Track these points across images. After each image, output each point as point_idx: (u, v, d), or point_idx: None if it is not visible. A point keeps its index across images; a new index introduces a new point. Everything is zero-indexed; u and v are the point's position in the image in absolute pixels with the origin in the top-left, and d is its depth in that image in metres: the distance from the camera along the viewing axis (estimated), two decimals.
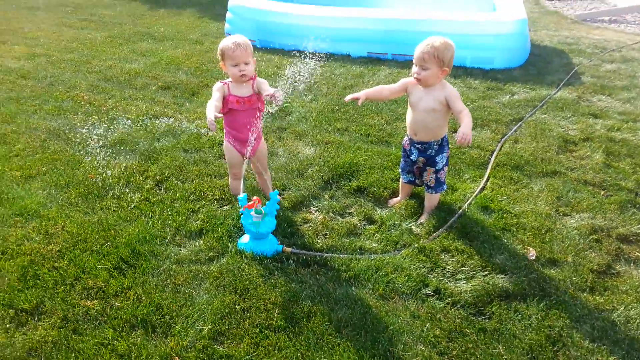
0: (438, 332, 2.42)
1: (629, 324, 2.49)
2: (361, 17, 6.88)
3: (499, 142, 4.38)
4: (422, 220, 3.29)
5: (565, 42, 7.86)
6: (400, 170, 3.44)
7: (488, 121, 4.81)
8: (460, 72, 6.21)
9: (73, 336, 2.36)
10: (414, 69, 3.01)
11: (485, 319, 2.52)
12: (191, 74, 6.05)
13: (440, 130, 3.15)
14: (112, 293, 2.60)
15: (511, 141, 4.41)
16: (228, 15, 7.69)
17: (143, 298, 2.56)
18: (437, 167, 3.22)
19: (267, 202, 2.92)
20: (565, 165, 4.02)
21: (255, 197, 2.90)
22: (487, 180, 3.76)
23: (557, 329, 2.44)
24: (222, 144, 4.17)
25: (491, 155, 4.13)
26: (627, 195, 3.59)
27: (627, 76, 6.24)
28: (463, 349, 2.33)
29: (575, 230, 3.20)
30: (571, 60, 6.91)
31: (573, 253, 2.99)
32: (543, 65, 6.64)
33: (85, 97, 5.22)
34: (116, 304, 2.53)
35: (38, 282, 2.66)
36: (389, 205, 3.47)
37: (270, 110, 4.67)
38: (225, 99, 3.13)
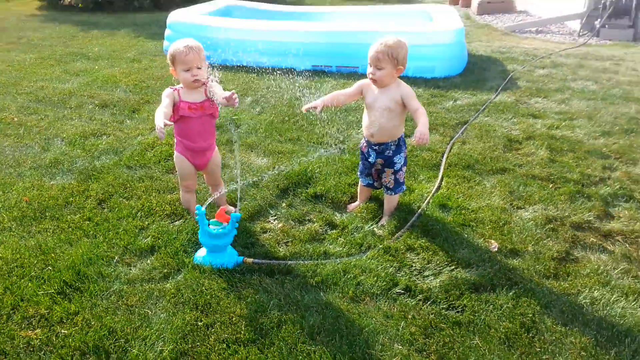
0: (414, 329, 2.34)
1: (595, 305, 2.52)
2: (304, 30, 6.89)
3: (447, 144, 4.44)
4: (382, 222, 3.23)
5: (499, 51, 8.20)
6: (359, 173, 3.39)
7: (435, 125, 4.87)
8: (404, 81, 6.29)
9: None
10: (369, 69, 2.99)
11: (458, 312, 2.47)
12: (130, 92, 5.80)
13: (397, 130, 3.13)
14: (57, 320, 2.35)
15: (459, 143, 4.47)
16: (167, 32, 7.50)
17: (92, 323, 2.33)
18: (395, 168, 3.18)
19: (227, 224, 2.74)
20: (513, 162, 4.11)
21: (222, 207, 2.75)
22: (442, 180, 3.77)
23: (529, 315, 2.43)
24: (169, 159, 3.99)
25: (442, 156, 4.17)
26: (574, 186, 3.70)
27: (558, 80, 6.56)
28: (441, 343, 2.26)
29: (531, 222, 3.24)
30: (506, 67, 7.20)
31: (532, 243, 3.03)
32: (480, 72, 6.87)
33: (16, 118, 4.86)
34: (62, 331, 2.28)
35: None
36: (348, 210, 3.40)
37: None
38: (175, 106, 2.96)
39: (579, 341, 2.29)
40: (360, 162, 3.34)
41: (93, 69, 6.78)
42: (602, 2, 9.76)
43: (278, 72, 6.49)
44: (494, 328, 2.35)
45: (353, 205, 3.44)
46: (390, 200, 3.30)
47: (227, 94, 2.84)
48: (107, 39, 8.88)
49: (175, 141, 3.13)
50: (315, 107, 3.04)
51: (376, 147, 3.16)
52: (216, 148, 3.24)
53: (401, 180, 3.25)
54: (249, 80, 6.27)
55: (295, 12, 8.90)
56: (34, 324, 2.33)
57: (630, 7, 9.56)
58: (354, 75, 6.36)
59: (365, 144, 3.24)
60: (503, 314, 2.44)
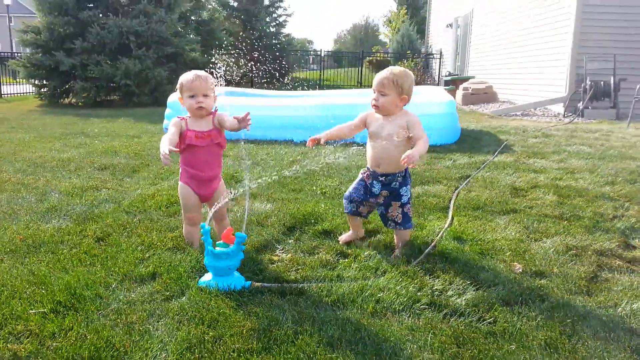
0: (444, 339, 2.11)
1: (637, 316, 2.32)
2: (302, 105, 7.10)
3: (454, 191, 4.38)
4: (396, 254, 3.06)
5: (490, 127, 8.46)
6: (344, 198, 3.18)
7: (439, 178, 4.85)
8: None
9: None
10: (372, 96, 2.98)
11: (489, 324, 2.25)
12: (130, 158, 5.79)
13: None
14: (49, 335, 2.10)
15: (465, 191, 4.42)
16: (167, 111, 7.69)
17: (88, 337, 2.09)
18: (402, 201, 3.06)
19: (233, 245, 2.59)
20: (523, 204, 4.04)
21: (229, 229, 2.61)
22: (452, 218, 3.67)
23: (568, 323, 2.22)
24: (170, 205, 3.87)
25: (450, 201, 4.09)
26: (589, 222, 3.60)
27: (553, 145, 6.70)
28: (475, 351, 2.03)
29: (552, 249, 3.11)
30: (499, 137, 7.37)
31: (557, 265, 2.87)
32: (475, 141, 7.02)
33: (13, 179, 4.77)
34: (54, 344, 2.03)
35: None
36: (340, 242, 3.20)
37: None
38: (182, 135, 2.92)
39: (628, 346, 2.07)
40: (353, 188, 3.15)
41: (93, 143, 6.83)
42: (583, 85, 10.29)
43: (278, 143, 6.60)
44: (531, 335, 2.14)
45: (345, 236, 3.25)
46: (402, 235, 3.14)
47: (240, 115, 2.82)
48: (106, 124, 9.07)
49: (180, 170, 3.05)
50: (318, 139, 2.99)
51: (382, 178, 3.04)
52: (222, 180, 3.15)
53: (410, 215, 3.10)
54: (248, 149, 6.32)
55: (289, 95, 9.24)
56: (22, 339, 2.08)
57: (610, 89, 10.06)
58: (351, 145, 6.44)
59: (368, 174, 3.10)
60: (539, 324, 2.23)
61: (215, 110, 3.01)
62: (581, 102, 10.38)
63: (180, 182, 3.04)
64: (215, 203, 2.88)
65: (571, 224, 3.57)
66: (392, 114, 2.97)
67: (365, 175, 3.13)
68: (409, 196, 3.09)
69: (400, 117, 2.98)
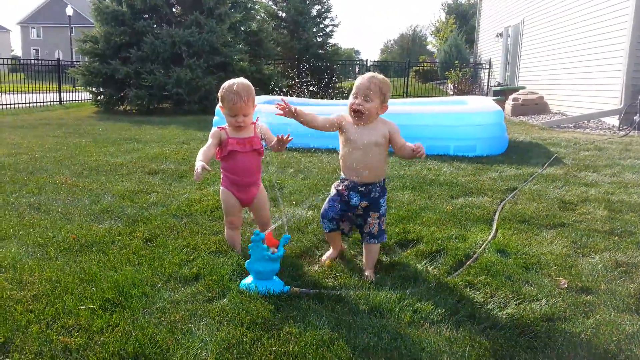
0: (482, 352, 2.08)
1: None
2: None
3: (499, 204, 4.30)
4: (369, 276, 2.85)
5: (540, 138, 8.23)
6: (322, 217, 3.00)
7: (484, 189, 4.77)
8: (446, 158, 6.33)
9: None
10: (355, 100, 2.78)
11: (531, 338, 2.20)
12: (179, 164, 5.98)
13: (383, 169, 2.94)
14: (97, 330, 2.21)
15: (510, 204, 4.33)
16: (215, 118, 7.89)
17: (133, 333, 2.18)
18: (381, 212, 2.93)
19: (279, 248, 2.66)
20: (571, 218, 3.92)
21: (269, 232, 2.67)
22: (497, 230, 3.60)
23: (613, 343, 2.14)
24: (215, 210, 3.98)
25: (494, 214, 4.02)
26: None
27: (606, 158, 6.46)
28: None
29: (600, 265, 3.00)
30: (549, 149, 7.16)
31: (605, 282, 2.77)
32: (523, 153, 6.86)
33: (69, 180, 5.03)
34: (101, 339, 2.14)
35: (8, 322, 2.26)
36: (321, 263, 3.03)
37: None
38: (223, 143, 3.01)
39: None
40: (328, 204, 2.97)
41: (144, 149, 7.10)
42: (639, 97, 9.87)
43: (321, 151, 6.65)
44: (574, 352, 2.08)
45: (326, 255, 3.10)
46: (373, 250, 2.96)
47: (282, 135, 2.84)
48: (158, 131, 9.40)
49: (222, 176, 3.13)
50: (289, 108, 2.74)
51: (362, 189, 2.88)
52: (262, 185, 3.22)
53: (383, 228, 2.96)
54: (291, 156, 6.40)
55: (333, 105, 9.29)
56: (72, 332, 2.19)
57: None
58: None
59: (344, 186, 2.92)
60: (582, 341, 2.17)
61: (257, 120, 3.08)
62: (637, 115, 9.95)
63: (221, 187, 3.13)
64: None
65: (622, 240, 3.43)
66: (370, 122, 2.83)
67: (341, 187, 2.95)
68: (385, 207, 2.97)
69: (380, 125, 2.85)
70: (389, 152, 2.94)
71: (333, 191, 3.00)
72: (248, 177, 3.09)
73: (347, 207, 2.93)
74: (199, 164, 2.78)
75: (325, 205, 3.00)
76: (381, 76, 2.87)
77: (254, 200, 3.15)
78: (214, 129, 3.07)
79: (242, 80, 2.99)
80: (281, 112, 2.74)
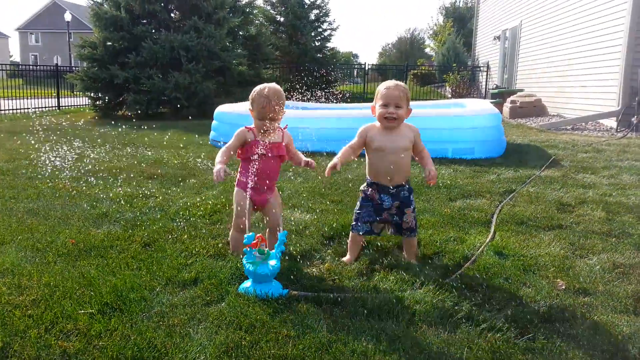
0: (480, 353, 2.09)
1: None
2: (347, 116, 7.14)
3: (497, 206, 4.31)
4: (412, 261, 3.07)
5: (538, 141, 8.25)
6: (354, 223, 3.12)
7: (481, 192, 4.78)
8: (444, 161, 6.34)
9: None
10: (387, 109, 2.95)
11: (529, 340, 2.21)
12: (177, 168, 6.00)
13: (409, 168, 3.13)
14: (95, 334, 2.21)
15: (509, 206, 4.34)
16: (213, 123, 7.91)
17: (132, 337, 2.18)
18: (413, 206, 3.11)
19: (275, 244, 2.67)
20: (569, 220, 3.93)
21: (259, 235, 2.67)
22: (495, 232, 3.61)
23: (611, 344, 2.15)
24: (213, 214, 3.99)
25: (492, 216, 4.03)
26: (639, 239, 3.47)
27: (604, 160, 6.47)
28: None
29: (598, 266, 3.01)
30: (547, 152, 7.18)
31: (602, 283, 2.78)
32: (521, 155, 6.87)
33: (67, 184, 5.03)
34: (100, 343, 2.14)
35: (6, 327, 2.26)
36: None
37: None
38: (249, 144, 3.00)
39: None
40: (359, 210, 3.12)
41: (143, 153, 7.11)
42: (637, 99, 9.90)
43: (319, 154, 6.65)
44: (572, 353, 2.08)
45: (345, 260, 3.13)
46: (412, 243, 3.15)
47: (305, 160, 3.05)
48: (156, 135, 9.40)
49: (239, 176, 3.11)
50: (335, 166, 2.96)
51: (393, 191, 3.05)
52: (276, 189, 3.22)
53: (416, 221, 3.16)
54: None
55: (337, 107, 9.32)
56: (71, 337, 2.19)
57: None
58: None
59: (373, 190, 3.07)
60: (580, 342, 2.17)
61: (285, 127, 3.09)
62: (635, 117, 9.98)
63: (237, 188, 3.10)
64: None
65: (620, 241, 3.44)
66: (397, 127, 3.02)
67: (370, 192, 3.09)
68: (414, 202, 3.16)
69: (406, 129, 3.06)
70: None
71: (362, 195, 3.13)
72: (269, 180, 3.09)
73: (381, 209, 3.07)
74: (218, 166, 2.81)
75: (358, 210, 3.13)
76: (402, 83, 3.05)
77: (268, 203, 3.15)
78: (240, 129, 3.05)
79: (273, 85, 3.01)
80: (330, 173, 2.98)
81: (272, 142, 2.99)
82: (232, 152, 3.01)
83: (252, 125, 3.04)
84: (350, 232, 3.16)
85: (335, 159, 2.99)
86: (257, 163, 2.99)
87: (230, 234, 3.23)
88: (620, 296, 2.62)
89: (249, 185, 2.97)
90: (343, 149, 3.09)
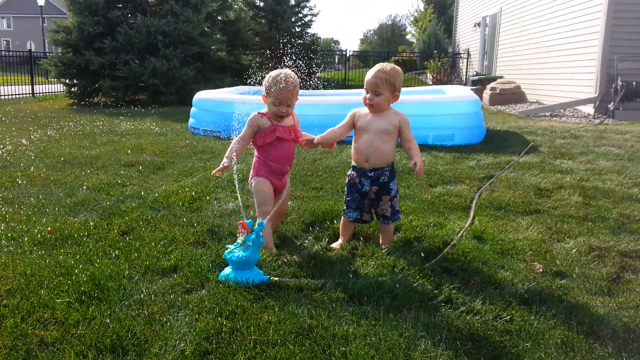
0: (459, 335, 2.11)
1: None
2: (325, 104, 7.11)
3: (476, 192, 4.35)
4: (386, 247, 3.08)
5: (517, 127, 8.34)
6: (345, 208, 3.16)
7: (461, 178, 4.82)
8: (425, 147, 6.37)
9: None
10: (366, 95, 2.98)
11: (506, 322, 2.24)
12: (156, 156, 5.91)
13: (391, 154, 3.06)
14: (73, 323, 2.17)
15: (488, 191, 4.39)
16: (192, 109, 7.81)
17: (110, 325, 2.15)
18: (391, 194, 3.07)
19: (253, 233, 2.64)
20: (547, 205, 3.99)
21: (240, 222, 2.65)
22: (474, 218, 3.64)
23: (586, 324, 2.20)
24: (193, 202, 3.95)
25: (471, 201, 4.07)
26: (615, 223, 3.54)
27: (581, 146, 6.58)
28: (490, 348, 2.03)
29: (574, 250, 3.07)
30: (525, 138, 7.27)
31: (578, 266, 2.83)
32: (501, 141, 6.94)
33: (43, 174, 4.93)
34: (78, 332, 2.11)
35: None
36: (332, 249, 3.10)
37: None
38: (265, 130, 2.98)
39: None
40: (347, 197, 3.14)
41: (120, 141, 6.99)
42: (614, 86, 10.06)
43: None
44: (548, 334, 2.12)
45: (336, 244, 3.17)
46: (388, 230, 3.16)
47: (309, 138, 3.04)
48: (134, 122, 9.26)
49: (257, 165, 3.07)
50: (311, 140, 3.01)
51: (371, 174, 3.02)
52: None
53: (397, 208, 3.15)
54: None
55: (320, 94, 9.27)
56: (48, 326, 2.16)
57: None
58: None
59: (355, 175, 3.08)
60: (556, 323, 2.21)
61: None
62: (612, 103, 10.15)
63: (258, 177, 3.04)
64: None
65: (596, 225, 3.51)
66: (384, 111, 3.01)
67: (351, 177, 3.11)
68: (396, 189, 3.12)
69: (392, 115, 3.02)
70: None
71: (347, 182, 3.15)
72: (288, 164, 3.10)
73: (362, 194, 3.07)
74: (225, 161, 2.88)
75: (346, 198, 3.14)
76: (389, 66, 2.97)
77: (284, 188, 3.14)
78: (253, 114, 3.02)
79: (288, 71, 2.99)
80: (307, 148, 3.06)
81: (289, 126, 3.02)
82: (246, 143, 3.02)
83: (264, 111, 3.02)
84: (342, 216, 3.20)
85: (317, 137, 3.02)
86: (275, 148, 3.00)
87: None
88: (596, 278, 2.67)
89: (267, 168, 3.02)
90: (329, 129, 3.08)
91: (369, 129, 2.98)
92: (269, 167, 3.04)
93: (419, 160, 2.96)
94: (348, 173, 3.16)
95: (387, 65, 2.99)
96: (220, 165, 2.90)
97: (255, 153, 3.12)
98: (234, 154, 2.94)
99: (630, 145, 6.68)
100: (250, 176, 3.13)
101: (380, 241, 3.16)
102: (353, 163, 3.11)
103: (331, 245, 3.15)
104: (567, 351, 2.02)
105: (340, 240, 3.19)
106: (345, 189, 3.18)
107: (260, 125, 2.99)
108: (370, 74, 2.97)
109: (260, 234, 2.64)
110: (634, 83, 9.92)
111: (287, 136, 2.99)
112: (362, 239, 3.23)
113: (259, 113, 3.02)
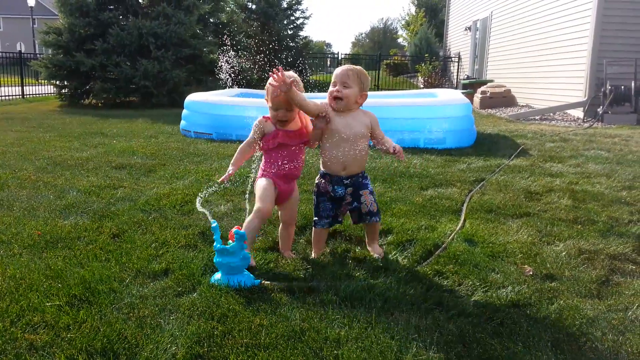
0: (450, 338, 2.12)
1: None
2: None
3: (467, 195, 4.38)
4: (380, 254, 3.00)
5: (507, 131, 8.40)
6: (315, 219, 3.02)
7: (452, 181, 4.85)
8: (416, 150, 6.40)
9: None
10: (333, 88, 2.84)
11: (497, 325, 2.25)
12: (147, 158, 5.89)
13: (366, 157, 3.01)
14: (63, 327, 2.16)
15: (479, 194, 4.42)
16: (184, 112, 7.78)
17: (101, 329, 2.14)
18: (369, 188, 2.99)
19: (234, 242, 2.60)
20: (537, 208, 4.02)
21: (235, 228, 2.64)
22: (465, 220, 3.66)
23: (576, 326, 2.22)
24: (184, 204, 3.94)
25: (462, 204, 4.09)
26: (604, 226, 3.57)
27: (570, 149, 6.64)
28: (481, 350, 2.04)
29: (564, 252, 3.09)
30: (516, 141, 7.32)
31: (568, 269, 2.86)
32: (491, 144, 6.99)
33: (33, 177, 4.89)
34: (68, 335, 2.09)
35: None
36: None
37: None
38: (270, 134, 2.91)
39: (637, 349, 2.06)
40: (318, 206, 3.00)
41: (111, 143, 6.95)
42: (603, 90, 10.16)
43: None
44: (538, 336, 2.14)
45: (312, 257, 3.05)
46: (375, 228, 3.05)
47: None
48: (125, 124, 9.22)
49: (264, 167, 3.00)
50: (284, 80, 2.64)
51: (347, 181, 2.93)
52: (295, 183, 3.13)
53: (377, 205, 3.02)
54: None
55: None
56: (38, 330, 2.14)
57: (630, 94, 9.91)
58: None
59: (325, 183, 2.95)
60: (546, 326, 2.23)
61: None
62: (601, 107, 10.25)
63: (263, 178, 2.94)
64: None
65: (585, 228, 3.54)
66: (350, 111, 2.88)
67: (322, 185, 2.98)
68: (371, 186, 3.04)
69: (362, 114, 2.93)
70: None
71: (315, 190, 3.03)
72: (295, 168, 2.98)
73: (335, 200, 2.97)
74: (231, 168, 2.86)
75: (317, 209, 3.01)
76: (358, 67, 2.93)
77: (291, 195, 3.05)
78: (259, 119, 2.96)
79: (289, 73, 2.88)
80: (275, 83, 2.63)
81: (294, 131, 2.92)
82: (252, 148, 2.95)
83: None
84: (313, 228, 3.06)
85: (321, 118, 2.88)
86: (284, 152, 2.91)
87: (251, 221, 2.85)
88: (585, 281, 2.69)
89: (274, 171, 2.93)
90: (318, 104, 2.90)
91: (342, 132, 2.82)
92: (276, 171, 2.95)
93: (395, 144, 2.85)
94: (317, 181, 3.02)
95: (356, 66, 2.95)
96: (226, 173, 2.85)
97: (263, 156, 3.06)
98: (238, 162, 2.91)
99: (619, 148, 6.75)
100: (256, 178, 3.07)
101: (368, 243, 3.08)
102: (324, 170, 2.97)
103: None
104: (558, 353, 2.04)
105: (313, 255, 3.05)
106: (314, 197, 3.02)
107: (265, 129, 2.92)
108: (339, 69, 2.90)
109: (244, 243, 2.59)
110: (622, 87, 10.03)
111: (289, 141, 2.90)
112: (354, 241, 3.24)
113: (264, 117, 2.95)
